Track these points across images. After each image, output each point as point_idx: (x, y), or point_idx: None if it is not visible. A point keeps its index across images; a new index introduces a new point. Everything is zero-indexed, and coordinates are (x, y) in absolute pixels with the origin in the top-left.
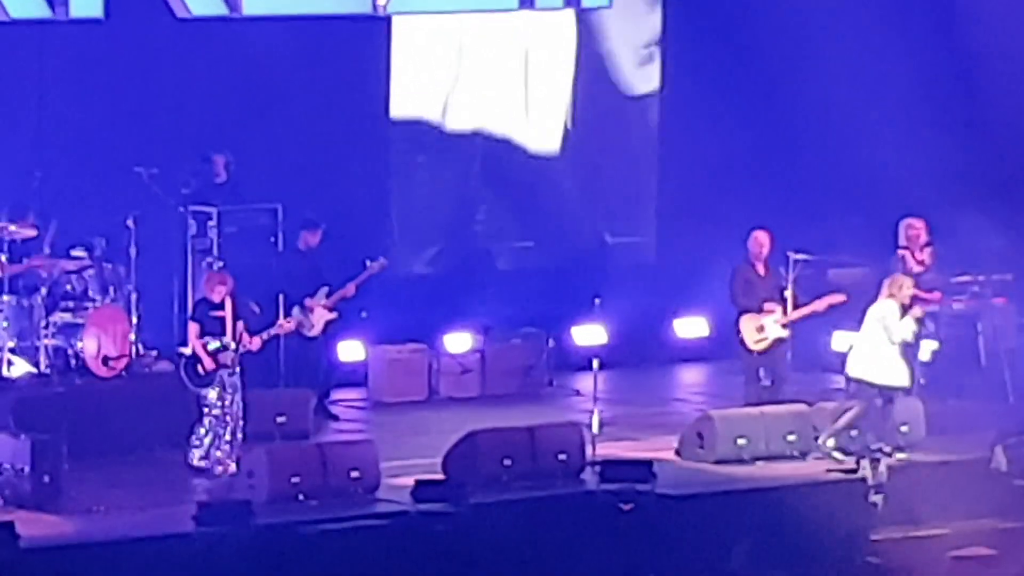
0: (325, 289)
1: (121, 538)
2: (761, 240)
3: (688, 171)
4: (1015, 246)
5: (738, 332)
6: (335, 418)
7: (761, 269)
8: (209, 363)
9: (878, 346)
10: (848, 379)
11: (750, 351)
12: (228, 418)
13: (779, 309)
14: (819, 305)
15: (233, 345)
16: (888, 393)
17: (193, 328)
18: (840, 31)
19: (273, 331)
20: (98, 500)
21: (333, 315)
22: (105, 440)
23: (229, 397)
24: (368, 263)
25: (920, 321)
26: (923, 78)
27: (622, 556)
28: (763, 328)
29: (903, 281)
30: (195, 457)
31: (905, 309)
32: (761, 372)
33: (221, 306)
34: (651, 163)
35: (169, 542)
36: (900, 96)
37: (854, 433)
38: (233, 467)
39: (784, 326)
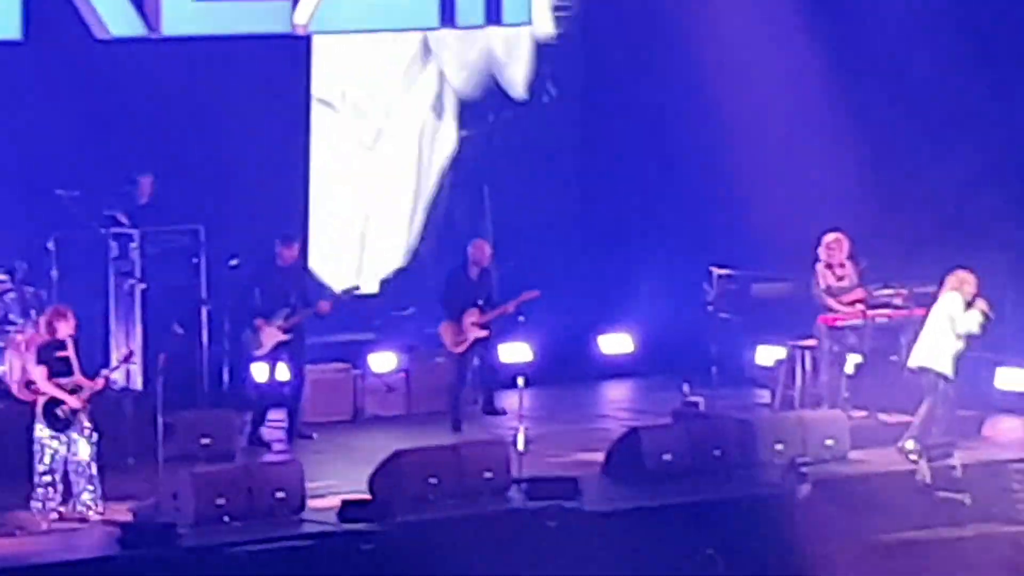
0: (285, 311)
1: (45, 562)
2: (480, 247)
3: (610, 187)
4: (936, 258)
5: (439, 337)
6: (268, 447)
7: (474, 275)
8: (74, 402)
9: (941, 337)
10: (911, 370)
11: (451, 353)
12: (91, 466)
13: (476, 312)
14: (510, 306)
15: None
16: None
17: (42, 372)
18: (759, 44)
19: (111, 371)
20: (21, 524)
21: (286, 337)
22: (29, 464)
23: (93, 440)
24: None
25: (986, 314)
26: (843, 90)
27: (549, 573)
28: (462, 331)
29: (965, 276)
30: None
31: (969, 304)
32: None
33: (65, 345)
34: (572, 180)
35: (94, 565)
36: (823, 109)
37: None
38: (97, 515)
39: (482, 326)
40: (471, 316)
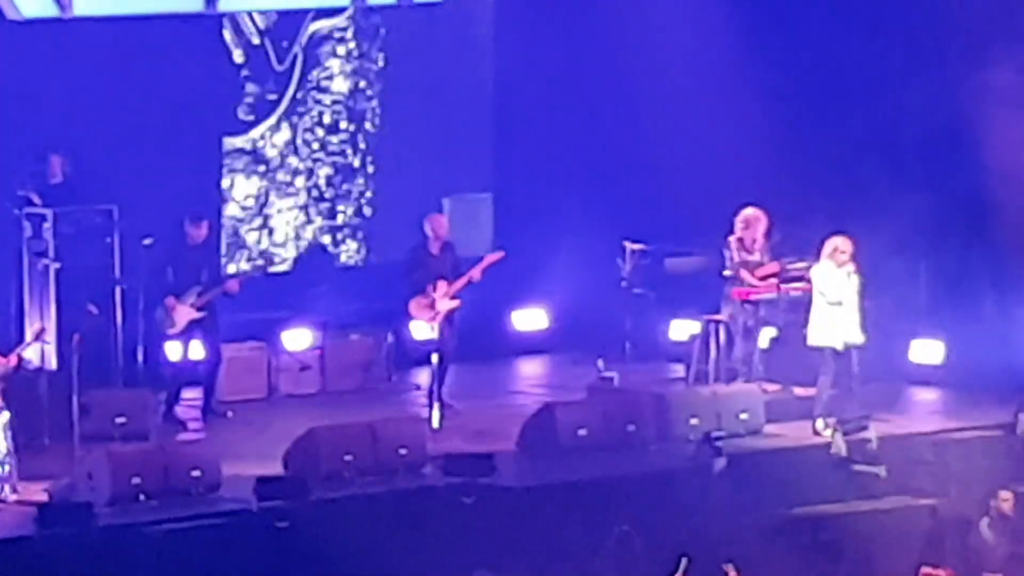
0: (196, 289)
1: None
2: (438, 222)
3: (525, 163)
4: (851, 231)
5: (409, 313)
6: (183, 425)
7: (435, 249)
8: None
9: (817, 310)
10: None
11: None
12: (4, 445)
13: (444, 284)
14: (476, 272)
15: None
16: (842, 353)
17: None
18: (672, 21)
19: (23, 348)
20: None
21: (199, 314)
22: None
23: (4, 419)
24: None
25: (857, 274)
26: (755, 65)
27: (465, 549)
28: (434, 304)
29: (837, 242)
30: None
31: (841, 268)
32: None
33: None
34: (486, 154)
35: (10, 545)
36: (735, 84)
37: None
38: (13, 495)
39: (452, 297)
40: (440, 288)
